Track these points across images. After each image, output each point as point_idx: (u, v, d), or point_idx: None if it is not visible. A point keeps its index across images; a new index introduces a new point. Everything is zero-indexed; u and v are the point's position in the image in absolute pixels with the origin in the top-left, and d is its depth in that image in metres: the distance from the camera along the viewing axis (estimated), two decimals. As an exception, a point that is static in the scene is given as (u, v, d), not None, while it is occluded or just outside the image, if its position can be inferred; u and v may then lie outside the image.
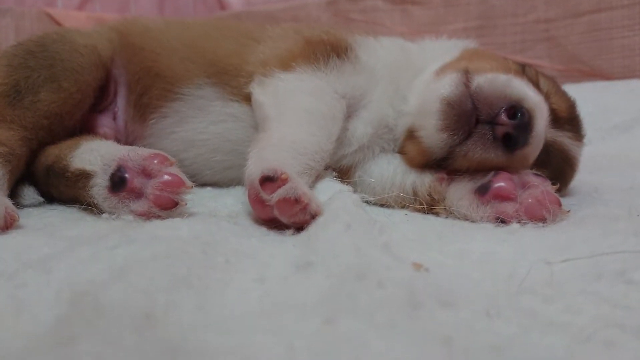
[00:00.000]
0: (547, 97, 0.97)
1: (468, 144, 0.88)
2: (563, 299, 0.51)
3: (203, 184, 1.09)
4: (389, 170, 1.02)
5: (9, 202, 0.76)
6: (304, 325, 0.43)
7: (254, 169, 0.80)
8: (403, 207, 0.98)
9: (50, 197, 0.95)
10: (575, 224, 0.78)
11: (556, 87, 1.04)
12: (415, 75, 1.05)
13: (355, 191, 1.02)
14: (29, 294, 0.51)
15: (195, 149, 1.07)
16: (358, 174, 1.04)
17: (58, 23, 2.75)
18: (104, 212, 0.81)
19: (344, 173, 1.05)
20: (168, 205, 0.77)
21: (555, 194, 0.84)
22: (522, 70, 1.00)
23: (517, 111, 0.85)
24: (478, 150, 0.87)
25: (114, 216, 0.79)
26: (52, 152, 0.93)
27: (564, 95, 1.04)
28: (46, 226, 0.78)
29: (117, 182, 0.79)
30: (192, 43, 1.09)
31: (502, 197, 0.85)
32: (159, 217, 0.78)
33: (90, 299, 0.42)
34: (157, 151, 0.82)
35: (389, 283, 0.47)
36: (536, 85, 0.98)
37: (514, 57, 2.28)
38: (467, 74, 0.92)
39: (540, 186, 0.85)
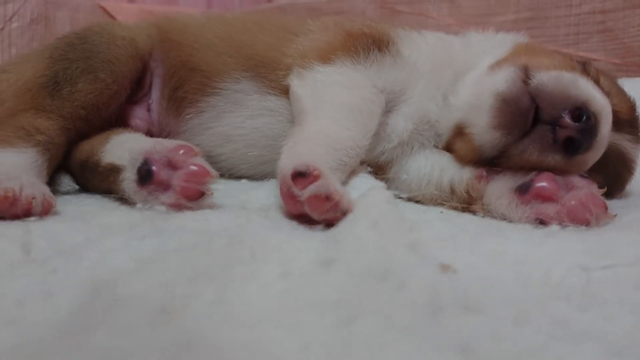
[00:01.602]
0: (608, 97, 0.92)
1: (524, 144, 0.85)
2: (599, 307, 0.48)
3: (239, 177, 1.09)
4: (427, 167, 0.99)
5: (47, 189, 0.78)
6: (321, 323, 0.42)
7: (287, 163, 0.79)
8: (439, 204, 0.96)
9: (87, 190, 0.97)
10: (620, 229, 0.74)
11: (617, 87, 1.00)
12: (459, 71, 1.02)
13: (389, 188, 1.02)
14: (58, 280, 0.52)
15: (232, 144, 1.07)
16: (394, 170, 1.02)
17: (111, 16, 2.82)
18: (138, 203, 0.82)
19: (381, 169, 1.03)
20: (195, 196, 0.77)
21: (601, 197, 0.80)
22: (584, 68, 0.96)
23: (583, 114, 0.82)
24: (535, 152, 0.84)
25: (147, 206, 0.80)
26: (85, 148, 0.95)
27: (624, 96, 1.00)
28: (82, 214, 0.80)
29: (145, 175, 0.80)
30: (229, 37, 1.09)
31: (544, 197, 0.82)
32: (189, 208, 0.78)
33: (109, 289, 0.43)
34: (182, 142, 0.83)
35: (411, 284, 0.45)
36: (598, 84, 0.94)
37: (566, 50, 2.20)
38: (526, 69, 0.88)
39: (585, 188, 0.81)
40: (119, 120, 1.05)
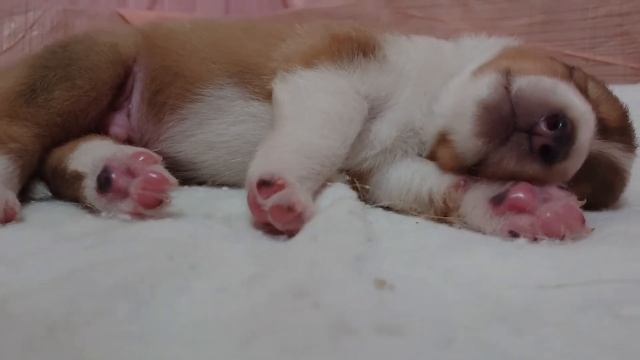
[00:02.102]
0: (595, 104, 0.89)
1: (502, 152, 0.81)
2: (534, 331, 0.45)
3: (221, 184, 1.08)
4: (407, 176, 0.96)
5: (10, 196, 0.78)
6: (223, 342, 0.40)
7: (255, 170, 0.78)
8: (419, 214, 0.93)
9: (60, 197, 0.97)
10: (595, 243, 0.70)
11: (607, 94, 0.95)
12: (447, 76, 0.98)
13: (372, 196, 0.99)
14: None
15: (215, 151, 1.06)
16: (376, 178, 1.00)
17: (129, 23, 2.86)
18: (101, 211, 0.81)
19: (363, 177, 1.00)
20: (152, 204, 0.76)
21: (579, 210, 0.76)
22: (570, 73, 0.92)
23: (559, 121, 0.78)
24: (512, 161, 0.81)
25: (110, 214, 0.79)
26: (56, 155, 0.95)
27: (615, 103, 0.95)
28: (48, 221, 0.80)
29: (103, 183, 0.79)
30: (215, 43, 1.08)
31: (519, 208, 0.78)
32: (149, 216, 0.77)
33: (5, 305, 0.41)
34: (142, 149, 0.82)
35: (326, 303, 0.43)
36: (584, 91, 0.90)
37: (582, 54, 2.14)
38: (508, 74, 0.85)
39: (562, 200, 0.77)
40: (99, 127, 1.05)
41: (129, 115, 1.10)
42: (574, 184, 0.87)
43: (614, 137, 0.91)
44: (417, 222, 0.88)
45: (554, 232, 0.74)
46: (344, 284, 0.48)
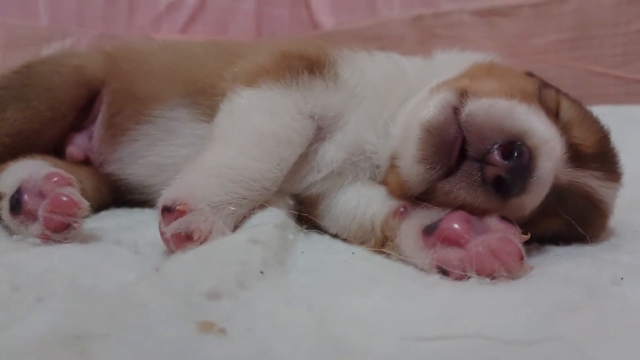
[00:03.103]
0: (566, 128, 0.78)
1: (451, 182, 0.72)
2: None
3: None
4: (353, 201, 0.88)
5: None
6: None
7: (163, 195, 0.73)
8: (362, 243, 0.84)
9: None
10: (521, 285, 0.60)
11: (583, 115, 0.83)
12: (408, 95, 0.90)
13: (321, 223, 0.92)
14: None
15: (165, 174, 1.00)
16: (325, 204, 0.92)
17: (163, 47, 2.91)
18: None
19: (312, 202, 0.93)
20: (59, 228, 0.73)
21: (519, 245, 0.66)
22: (538, 93, 0.82)
23: (515, 149, 0.68)
24: (462, 192, 0.71)
25: (20, 237, 0.76)
26: None
27: (592, 126, 0.83)
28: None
29: (14, 205, 0.77)
30: (172, 64, 1.06)
31: (450, 240, 0.68)
32: (56, 240, 0.74)
33: None
34: (56, 170, 0.79)
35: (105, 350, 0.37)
36: (553, 113, 0.80)
37: (614, 72, 1.98)
38: (462, 95, 0.76)
39: (499, 233, 0.67)
40: (58, 148, 1.04)
41: (91, 137, 1.08)
42: (541, 218, 0.77)
43: (589, 164, 0.79)
44: (352, 253, 0.80)
45: (485, 269, 0.64)
46: (153, 329, 0.41)
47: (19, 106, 0.96)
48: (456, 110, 0.74)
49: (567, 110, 0.82)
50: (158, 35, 2.98)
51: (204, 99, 1.00)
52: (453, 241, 0.68)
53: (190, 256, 0.57)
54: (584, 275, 0.63)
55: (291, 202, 0.90)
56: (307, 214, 0.93)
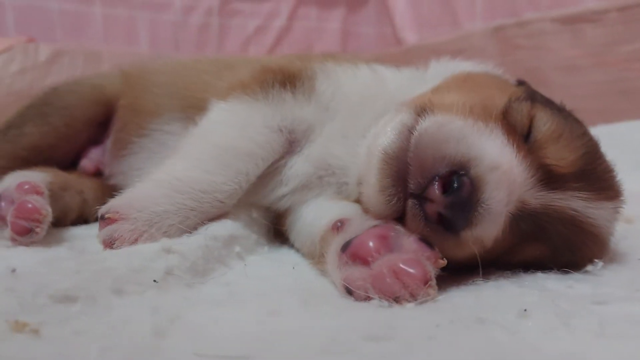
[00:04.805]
0: (538, 147, 0.70)
1: (407, 217, 0.67)
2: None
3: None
4: (310, 216, 0.86)
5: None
6: None
7: (107, 203, 0.78)
8: (312, 259, 0.82)
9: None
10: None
11: (560, 131, 0.73)
12: (386, 109, 0.84)
13: (290, 238, 0.91)
14: None
15: None
16: (291, 218, 0.91)
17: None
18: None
19: (281, 216, 0.93)
20: (22, 232, 0.80)
21: (427, 267, 0.60)
22: (507, 107, 0.73)
23: (454, 181, 0.62)
24: (414, 228, 0.66)
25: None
26: None
27: (572, 142, 0.72)
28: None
29: (-8, 211, 0.86)
30: (172, 80, 1.11)
31: (360, 258, 0.64)
32: (23, 243, 0.81)
33: None
34: (28, 180, 0.86)
35: None
36: (523, 131, 0.72)
37: None
38: (419, 114, 0.70)
39: (410, 254, 0.62)
40: (76, 160, 1.15)
41: (104, 151, 1.17)
42: (520, 246, 0.70)
43: (569, 185, 0.69)
44: (293, 268, 0.78)
45: (385, 291, 0.60)
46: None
47: (37, 122, 1.07)
48: (412, 132, 0.68)
49: (542, 127, 0.72)
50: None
51: (196, 113, 1.03)
52: (362, 259, 0.64)
53: (56, 260, 0.60)
54: (480, 305, 0.56)
55: (255, 215, 0.90)
56: (280, 227, 0.94)
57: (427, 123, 0.68)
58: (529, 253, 0.72)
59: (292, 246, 0.91)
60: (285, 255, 0.87)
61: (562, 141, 0.72)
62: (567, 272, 0.71)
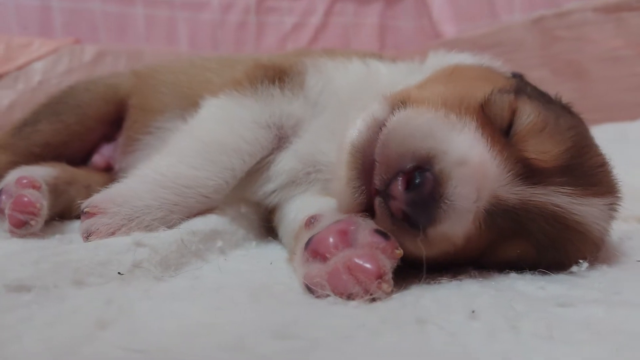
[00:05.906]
0: (517, 142, 0.67)
1: (375, 213, 0.66)
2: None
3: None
4: (293, 213, 0.86)
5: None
6: None
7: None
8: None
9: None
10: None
11: (543, 124, 0.69)
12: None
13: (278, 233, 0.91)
14: None
15: None
16: (279, 214, 0.91)
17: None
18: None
19: (271, 212, 0.93)
20: (18, 224, 0.84)
21: (382, 264, 0.59)
22: (488, 99, 0.70)
23: (415, 176, 0.60)
24: (383, 226, 0.64)
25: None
26: None
27: (555, 136, 0.68)
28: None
29: (-6, 204, 0.90)
30: (177, 78, 1.13)
31: (319, 254, 0.63)
32: (22, 235, 0.85)
33: None
34: (27, 175, 0.90)
35: None
36: (504, 125, 0.69)
37: None
38: (397, 107, 0.68)
39: (364, 247, 0.60)
40: (89, 156, 1.19)
41: (116, 147, 1.21)
42: (499, 243, 0.67)
43: (551, 180, 0.66)
44: (270, 263, 0.78)
45: (339, 287, 0.59)
46: None
47: (50, 120, 1.12)
48: (382, 127, 0.67)
49: (524, 120, 0.68)
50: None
51: (194, 111, 1.06)
52: (321, 255, 0.63)
53: (24, 251, 0.62)
54: (430, 305, 0.54)
55: (244, 210, 0.91)
56: (270, 224, 0.94)
57: (397, 117, 0.66)
58: (512, 251, 0.68)
59: (281, 242, 0.91)
60: (270, 251, 0.87)
61: (544, 134, 0.68)
62: (545, 274, 0.67)
